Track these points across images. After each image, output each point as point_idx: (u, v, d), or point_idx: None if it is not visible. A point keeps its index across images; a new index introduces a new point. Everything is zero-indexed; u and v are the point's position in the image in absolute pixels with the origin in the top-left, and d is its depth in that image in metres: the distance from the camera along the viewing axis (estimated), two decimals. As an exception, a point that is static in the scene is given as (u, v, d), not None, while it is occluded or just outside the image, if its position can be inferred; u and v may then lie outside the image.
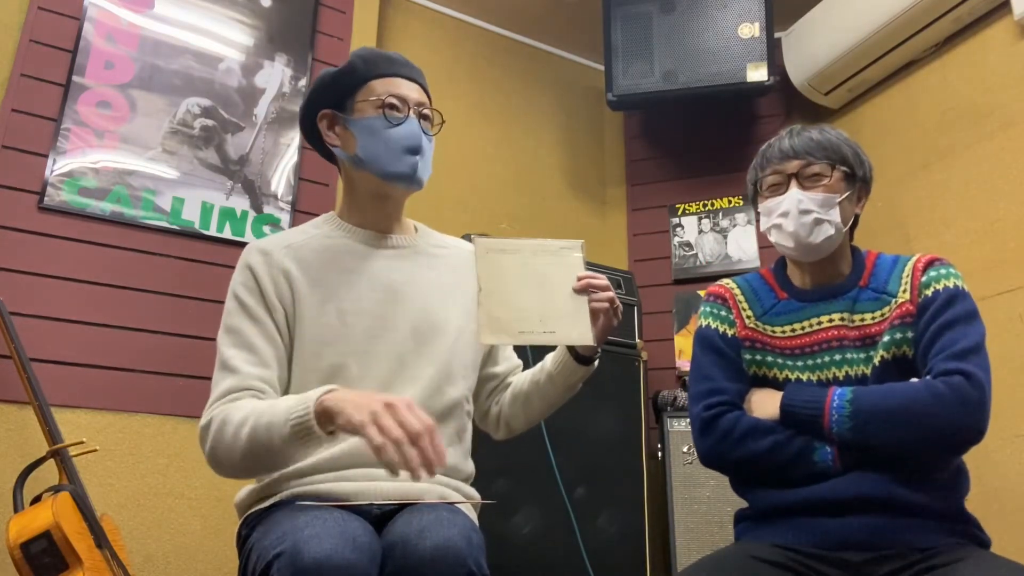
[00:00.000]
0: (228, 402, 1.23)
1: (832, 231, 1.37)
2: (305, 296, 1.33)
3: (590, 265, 1.41)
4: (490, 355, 1.53)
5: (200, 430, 1.25)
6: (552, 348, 1.47)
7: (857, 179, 1.41)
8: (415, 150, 1.37)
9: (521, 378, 1.51)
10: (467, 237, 1.73)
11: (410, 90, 1.40)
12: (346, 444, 1.26)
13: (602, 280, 1.32)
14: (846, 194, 1.39)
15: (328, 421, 1.10)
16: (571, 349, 1.41)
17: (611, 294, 1.32)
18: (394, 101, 1.37)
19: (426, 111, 1.42)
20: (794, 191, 1.39)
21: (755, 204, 1.49)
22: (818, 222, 1.37)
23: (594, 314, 1.31)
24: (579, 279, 1.31)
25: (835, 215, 1.37)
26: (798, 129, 1.43)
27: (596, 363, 1.44)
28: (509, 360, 1.57)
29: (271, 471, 1.25)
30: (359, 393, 1.11)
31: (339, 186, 2.76)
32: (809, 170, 1.39)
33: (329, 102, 1.42)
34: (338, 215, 1.47)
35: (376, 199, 1.43)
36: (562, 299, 1.29)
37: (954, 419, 1.20)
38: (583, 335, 1.29)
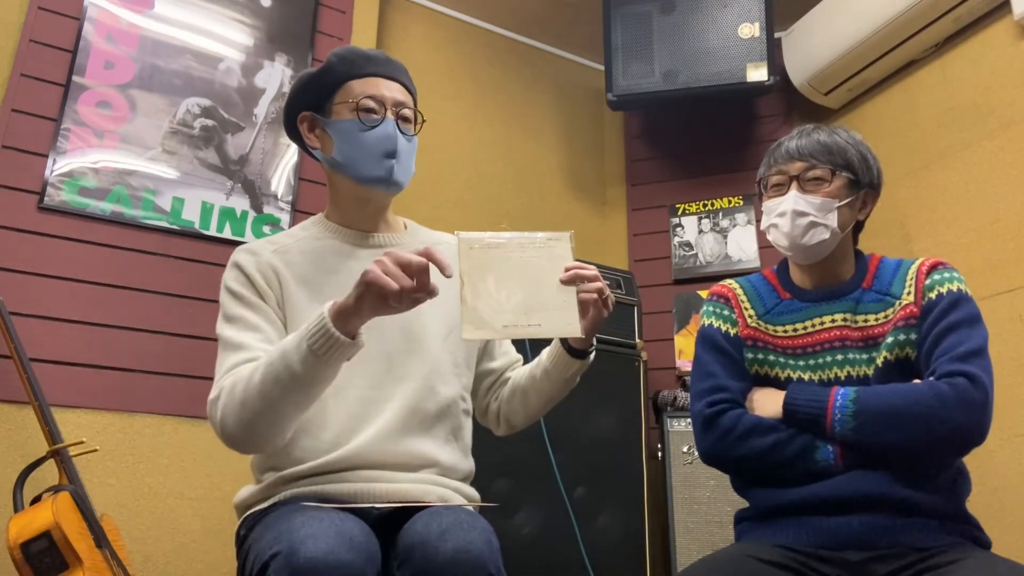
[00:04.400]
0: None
1: (827, 235, 1.37)
2: (292, 294, 1.33)
3: (589, 264, 1.39)
4: (486, 350, 1.52)
5: (209, 405, 1.23)
6: (548, 342, 1.46)
7: (862, 185, 1.41)
8: (391, 153, 1.35)
9: (519, 373, 1.50)
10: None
11: (389, 89, 1.38)
12: (344, 448, 1.26)
13: (591, 270, 1.29)
14: (847, 200, 1.39)
15: (345, 319, 1.12)
16: (564, 343, 1.39)
17: (600, 284, 1.29)
18: (370, 103, 1.35)
19: (406, 111, 1.39)
20: (793, 193, 1.39)
21: (760, 201, 1.49)
22: (813, 225, 1.37)
23: (583, 305, 1.27)
24: (566, 270, 1.27)
25: (832, 219, 1.37)
26: (809, 129, 1.43)
27: (592, 356, 1.41)
28: (506, 355, 1.56)
29: (288, 419, 1.19)
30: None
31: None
32: (810, 173, 1.39)
33: (308, 104, 1.41)
34: (325, 216, 1.47)
35: (357, 201, 1.42)
36: (549, 291, 1.26)
37: (957, 420, 1.20)
38: (571, 327, 1.26)
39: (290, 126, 1.46)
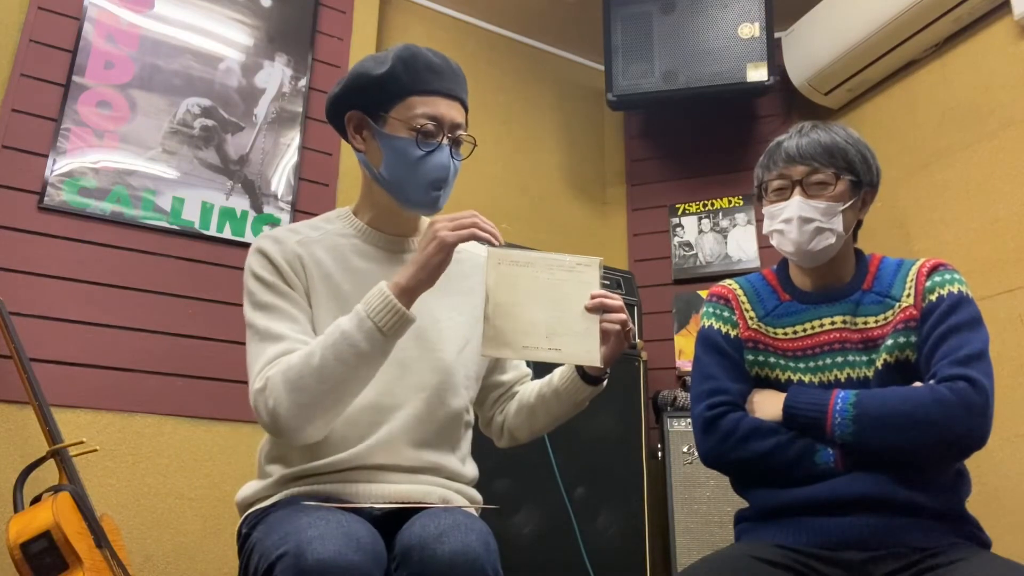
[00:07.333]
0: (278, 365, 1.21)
1: (833, 239, 1.37)
2: (315, 287, 1.32)
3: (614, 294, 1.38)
4: (497, 363, 1.51)
5: (254, 395, 1.21)
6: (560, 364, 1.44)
7: (863, 185, 1.40)
8: (440, 184, 1.32)
9: (529, 389, 1.49)
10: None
11: (449, 109, 1.32)
12: (350, 451, 1.26)
13: (616, 301, 1.28)
14: (850, 202, 1.38)
15: (408, 293, 1.19)
16: (579, 368, 1.38)
17: (624, 316, 1.28)
18: (430, 127, 1.30)
19: (460, 133, 1.35)
20: (797, 199, 1.37)
21: (760, 202, 1.48)
22: (819, 231, 1.36)
23: (604, 335, 1.27)
24: (592, 297, 1.27)
25: (837, 223, 1.36)
26: (807, 128, 1.41)
27: (604, 383, 1.40)
28: (517, 369, 1.55)
29: (346, 400, 1.22)
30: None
31: (339, 184, 2.78)
32: (814, 178, 1.37)
33: (360, 104, 1.35)
34: (353, 212, 1.44)
35: (391, 212, 1.40)
36: (572, 317, 1.25)
37: (958, 425, 1.20)
38: (590, 355, 1.25)
39: (334, 116, 1.40)
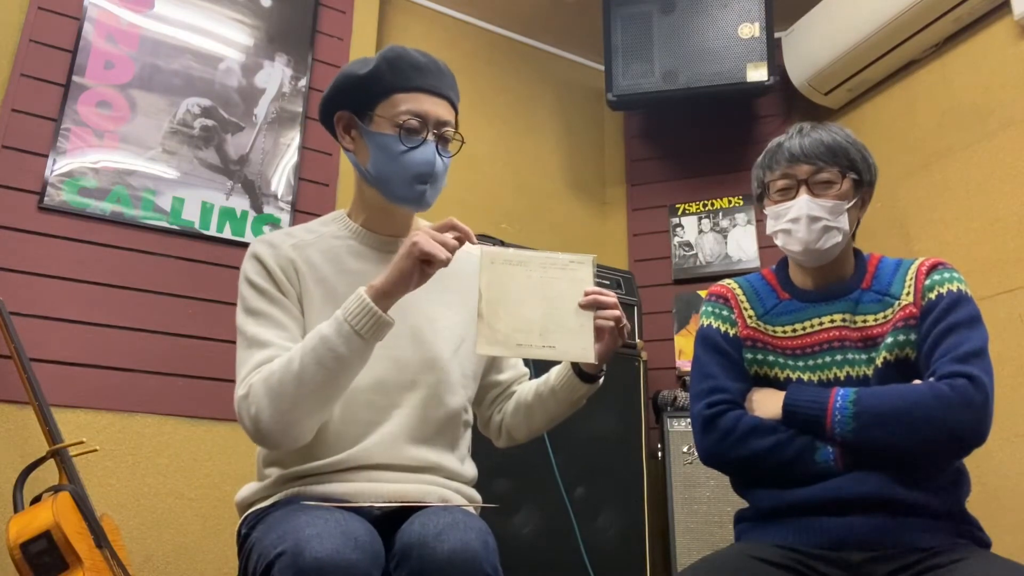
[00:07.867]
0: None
1: (840, 237, 1.37)
2: (308, 291, 1.33)
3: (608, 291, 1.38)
4: (494, 363, 1.51)
5: (238, 402, 1.22)
6: (556, 362, 1.44)
7: (864, 184, 1.41)
8: (425, 178, 1.33)
9: (526, 388, 1.49)
10: (482, 239, 1.71)
11: (434, 106, 1.33)
12: (348, 452, 1.26)
13: (610, 297, 1.29)
14: (854, 200, 1.40)
15: (384, 296, 1.19)
16: (575, 365, 1.39)
17: (618, 312, 1.29)
18: (413, 123, 1.31)
19: (447, 130, 1.35)
20: (804, 198, 1.38)
21: (761, 203, 1.48)
22: (827, 229, 1.37)
23: (599, 331, 1.28)
24: (586, 294, 1.28)
25: (843, 222, 1.37)
26: (807, 129, 1.42)
27: (600, 381, 1.41)
28: (514, 368, 1.55)
29: (326, 405, 1.22)
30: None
31: (339, 184, 2.78)
32: (820, 176, 1.38)
33: (348, 104, 1.36)
34: (347, 214, 1.45)
35: (383, 211, 1.41)
36: (566, 314, 1.26)
37: (957, 422, 1.20)
38: (585, 352, 1.26)
39: (326, 118, 1.42)
